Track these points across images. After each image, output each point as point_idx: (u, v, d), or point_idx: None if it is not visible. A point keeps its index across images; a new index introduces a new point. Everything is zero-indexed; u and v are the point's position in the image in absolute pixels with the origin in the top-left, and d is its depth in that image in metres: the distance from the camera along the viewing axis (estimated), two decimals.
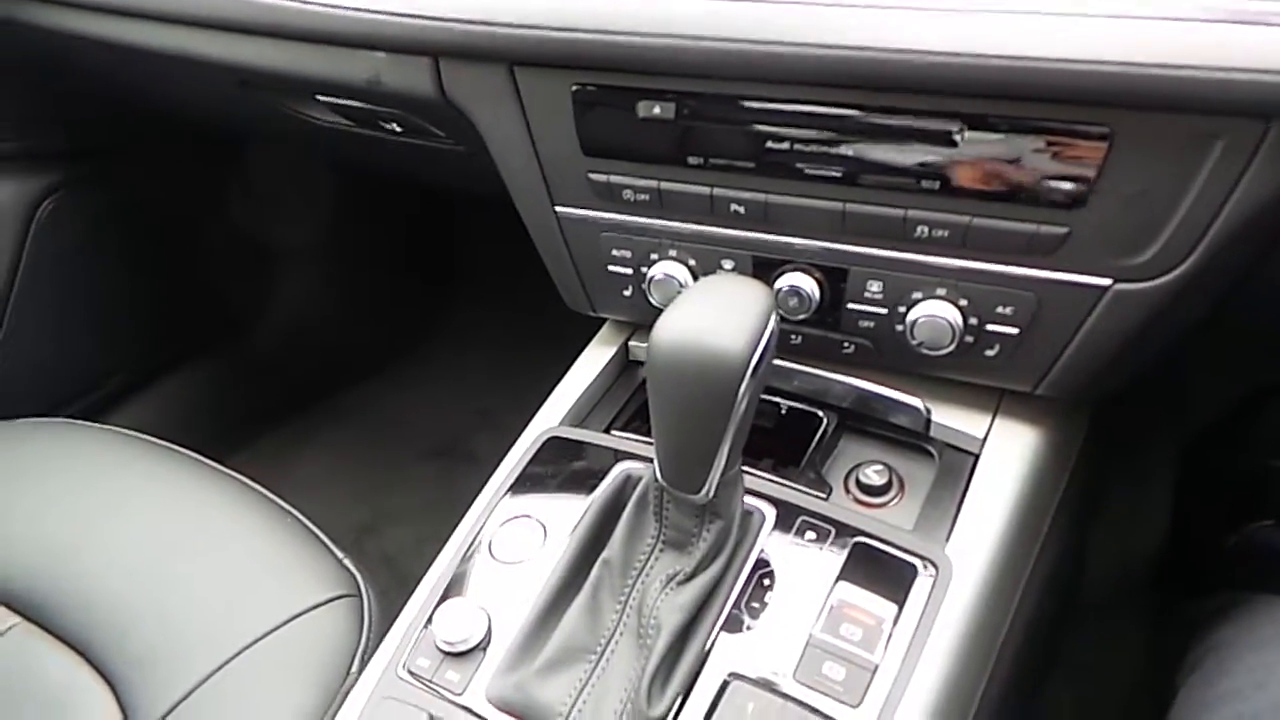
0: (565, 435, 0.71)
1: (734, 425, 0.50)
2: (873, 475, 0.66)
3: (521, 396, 0.82)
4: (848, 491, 0.68)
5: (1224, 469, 1.02)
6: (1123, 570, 1.02)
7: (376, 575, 0.80)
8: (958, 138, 0.55)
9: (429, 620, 0.59)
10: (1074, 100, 0.52)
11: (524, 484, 0.68)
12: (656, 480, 0.55)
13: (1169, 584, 0.96)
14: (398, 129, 0.85)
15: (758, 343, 0.49)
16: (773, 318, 0.51)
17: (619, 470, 0.64)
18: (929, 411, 0.67)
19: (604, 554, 0.58)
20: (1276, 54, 0.46)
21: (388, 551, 1.50)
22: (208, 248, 1.46)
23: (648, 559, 0.57)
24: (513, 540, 0.64)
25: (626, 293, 0.73)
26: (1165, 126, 0.51)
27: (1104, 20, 0.49)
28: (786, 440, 0.71)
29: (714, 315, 0.50)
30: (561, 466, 0.68)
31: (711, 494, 0.53)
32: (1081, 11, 0.49)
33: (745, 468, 0.65)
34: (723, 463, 0.52)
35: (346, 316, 1.69)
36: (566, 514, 0.64)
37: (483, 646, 0.57)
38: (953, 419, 0.67)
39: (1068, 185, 0.54)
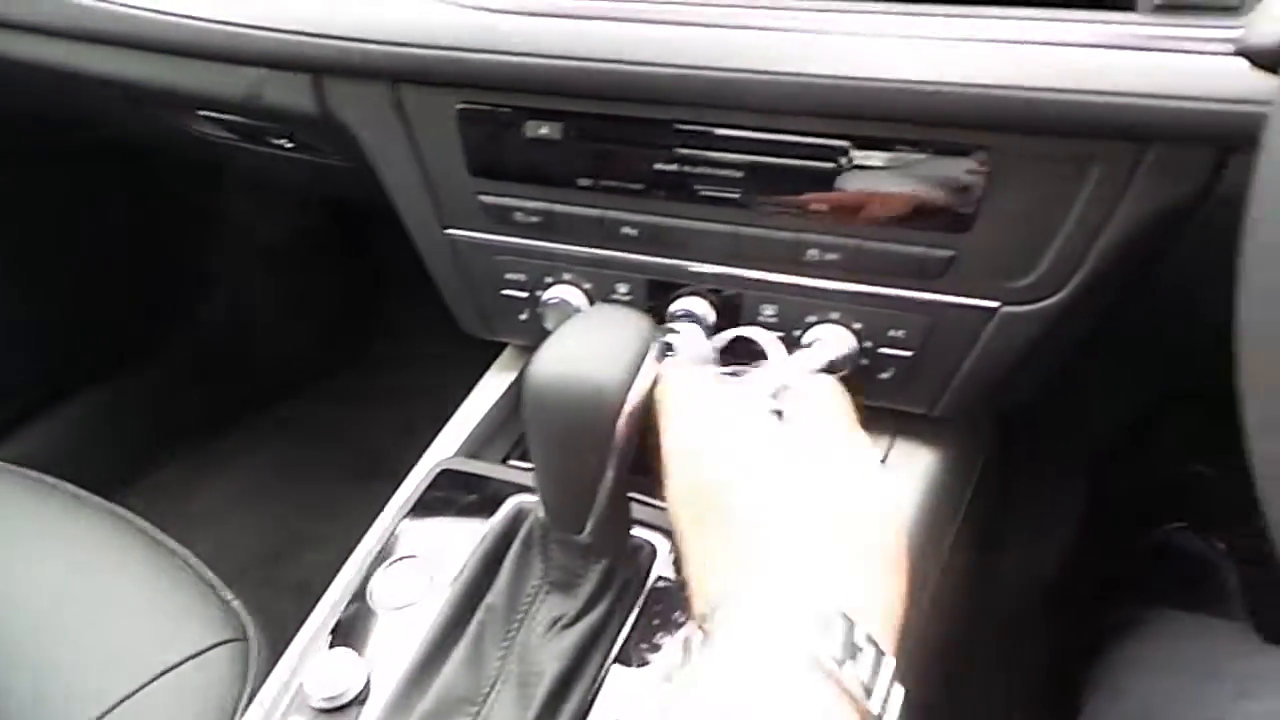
0: (458, 468, 0.68)
1: (615, 461, 0.48)
2: None
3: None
4: None
5: (1133, 477, 1.04)
6: (1031, 584, 1.03)
7: (287, 604, 0.76)
8: (844, 161, 0.55)
9: (304, 674, 0.56)
10: (955, 124, 0.51)
11: (412, 522, 0.65)
12: (540, 519, 0.53)
13: (1078, 596, 0.97)
14: (287, 144, 0.81)
15: (637, 373, 0.48)
16: (654, 348, 0.49)
17: (510, 506, 0.62)
18: None
19: (488, 598, 0.55)
20: (1148, 79, 0.46)
21: (304, 578, 1.45)
22: (109, 267, 1.39)
23: (533, 602, 0.55)
24: (398, 583, 0.61)
25: (522, 317, 0.71)
26: (1044, 150, 0.51)
27: (983, 45, 0.48)
28: None
29: (592, 348, 0.48)
30: (453, 501, 0.65)
31: (595, 533, 0.51)
32: (960, 37, 0.49)
33: (639, 496, 0.63)
34: (605, 500, 0.50)
35: (265, 335, 1.63)
36: (455, 554, 0.61)
37: (360, 700, 0.54)
38: None
39: (952, 209, 0.54)
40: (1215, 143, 0.46)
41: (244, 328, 1.58)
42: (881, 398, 0.63)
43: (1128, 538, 1.00)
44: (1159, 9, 0.46)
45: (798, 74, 0.51)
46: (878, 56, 0.50)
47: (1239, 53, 0.40)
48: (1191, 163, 0.48)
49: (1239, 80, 0.43)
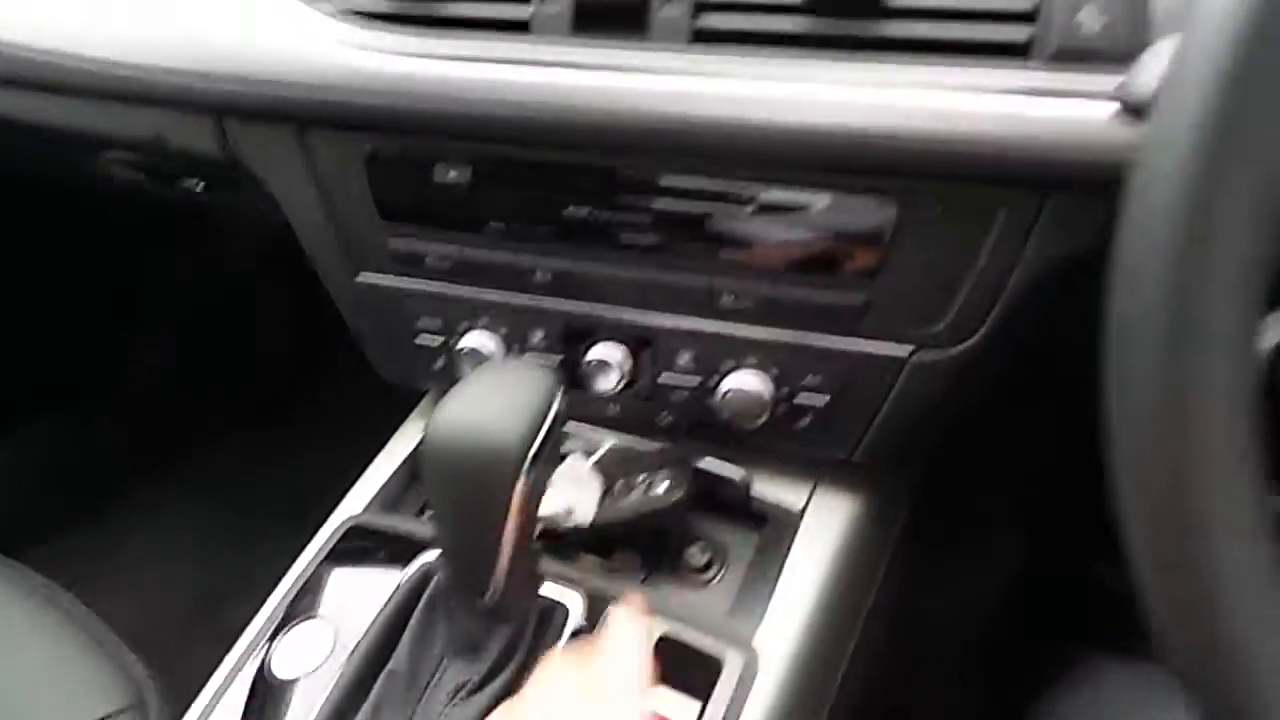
0: (369, 523, 0.65)
1: (515, 521, 0.47)
2: (694, 554, 0.63)
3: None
4: (672, 572, 0.64)
5: (1064, 517, 1.04)
6: (963, 629, 1.02)
7: (214, 658, 0.72)
8: (754, 207, 0.54)
9: None
10: (862, 170, 0.51)
11: (317, 582, 0.62)
12: (443, 580, 0.51)
13: (1010, 640, 0.96)
14: (199, 186, 0.79)
15: (536, 432, 0.46)
16: (555, 404, 0.48)
17: (419, 564, 0.59)
18: (748, 482, 0.64)
19: (390, 664, 0.53)
20: (1042, 129, 0.46)
21: (235, 624, 1.40)
22: (30, 309, 1.34)
23: (436, 669, 0.52)
24: (299, 648, 0.58)
25: (437, 364, 0.69)
26: (950, 197, 0.50)
27: (888, 92, 0.48)
28: None
29: (490, 406, 0.46)
30: (362, 559, 0.63)
31: (498, 595, 0.49)
32: (865, 84, 0.49)
33: (556, 554, 0.61)
34: (506, 562, 0.48)
35: (197, 375, 1.58)
36: (362, 615, 0.58)
37: None
38: (773, 489, 0.65)
39: (862, 255, 0.53)
40: (1108, 191, 0.46)
41: (168, 376, 1.53)
42: (802, 445, 0.62)
43: (1060, 579, 0.99)
44: (1053, 59, 0.46)
45: (706, 119, 0.51)
46: (786, 104, 0.49)
47: (1120, 104, 0.40)
48: (1091, 211, 0.48)
49: (1127, 131, 0.43)
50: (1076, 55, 0.45)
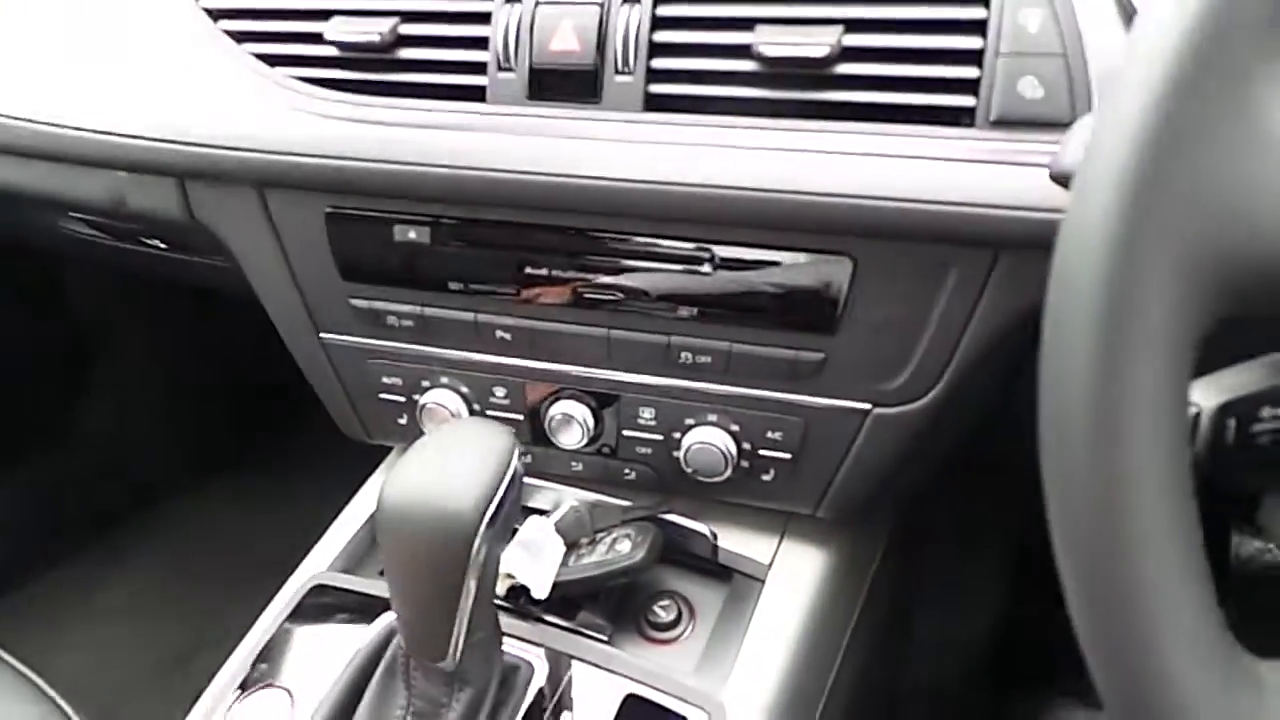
0: (332, 582, 0.64)
1: (472, 585, 0.46)
2: (660, 611, 0.63)
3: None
4: (638, 628, 0.64)
5: (1045, 564, 1.04)
6: (951, 669, 1.02)
7: (173, 712, 0.70)
8: (712, 265, 0.55)
9: None
10: (819, 230, 0.52)
11: (278, 642, 0.61)
12: (402, 646, 0.50)
13: (998, 683, 0.95)
14: (161, 245, 0.79)
15: (491, 497, 0.46)
16: (512, 466, 0.47)
17: (381, 625, 0.59)
18: (715, 536, 0.64)
19: None
20: (988, 191, 0.47)
21: (194, 684, 1.37)
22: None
23: None
24: (258, 714, 0.57)
25: (401, 421, 0.68)
26: (904, 255, 0.51)
27: (841, 157, 0.49)
28: None
29: (445, 469, 0.46)
30: (324, 619, 0.62)
31: (458, 659, 0.48)
32: (820, 149, 0.49)
33: (518, 614, 0.61)
34: (464, 626, 0.47)
35: (165, 425, 1.56)
36: (323, 678, 0.57)
37: None
38: (739, 543, 0.65)
39: (819, 311, 0.54)
40: (1047, 251, 0.47)
41: (126, 430, 1.51)
42: (766, 500, 0.62)
43: (1032, 630, 0.99)
44: (995, 125, 0.47)
45: (660, 184, 0.51)
46: (737, 169, 0.50)
47: (1051, 175, 0.41)
48: (1040, 268, 0.49)
49: (1062, 196, 0.43)
50: (1018, 122, 0.46)
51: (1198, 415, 0.36)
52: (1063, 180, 0.40)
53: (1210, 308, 0.29)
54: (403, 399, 0.67)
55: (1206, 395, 0.36)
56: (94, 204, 0.71)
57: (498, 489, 0.46)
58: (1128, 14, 0.45)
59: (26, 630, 0.95)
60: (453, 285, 0.61)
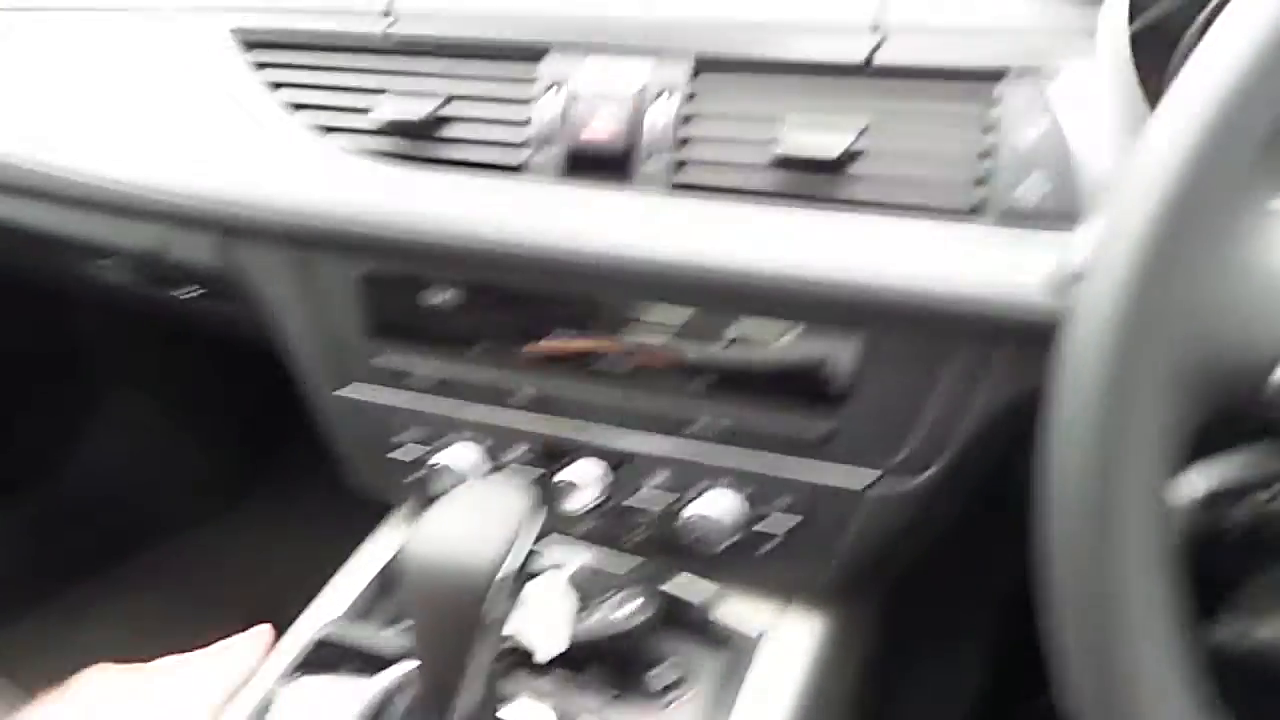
0: (336, 635, 0.65)
1: (483, 641, 0.48)
2: (659, 675, 0.64)
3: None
4: (637, 690, 0.64)
5: (1028, 639, 1.04)
6: None
7: None
8: (726, 339, 0.58)
9: None
10: (830, 310, 0.55)
11: (283, 695, 0.61)
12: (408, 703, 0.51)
13: None
14: (194, 291, 0.82)
15: (505, 555, 0.48)
16: (528, 527, 0.49)
17: (385, 681, 0.59)
18: (710, 605, 0.66)
19: None
20: (1000, 283, 0.50)
21: None
22: None
23: None
24: None
25: (411, 479, 0.70)
26: (910, 337, 0.54)
27: (856, 245, 0.52)
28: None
29: (464, 528, 0.48)
30: (328, 673, 0.62)
31: (465, 715, 0.49)
32: (827, 234, 0.53)
33: (526, 670, 0.62)
34: (470, 684, 0.48)
35: (149, 470, 1.56)
36: None
37: None
38: (740, 609, 0.66)
39: (828, 386, 0.57)
40: (1046, 341, 0.50)
41: (122, 472, 1.51)
42: (769, 569, 0.64)
43: (1032, 694, 0.99)
44: (1003, 219, 0.51)
45: (682, 263, 0.55)
46: (755, 252, 0.54)
47: (1053, 278, 0.44)
48: (1038, 355, 0.52)
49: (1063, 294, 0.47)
50: (1021, 218, 0.50)
51: (1187, 503, 0.39)
52: (1067, 284, 0.43)
53: (1200, 409, 0.32)
54: (415, 457, 0.69)
55: (1195, 484, 0.39)
56: (132, 251, 0.74)
57: (511, 549, 0.48)
58: (1126, 122, 0.49)
59: (19, 661, 0.94)
60: (475, 347, 0.63)
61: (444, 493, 0.66)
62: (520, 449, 0.66)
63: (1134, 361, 0.30)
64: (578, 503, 0.65)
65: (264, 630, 0.53)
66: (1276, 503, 0.39)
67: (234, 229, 0.66)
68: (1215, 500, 0.39)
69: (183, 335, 1.43)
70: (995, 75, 0.51)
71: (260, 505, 1.59)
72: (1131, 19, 0.49)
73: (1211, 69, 0.30)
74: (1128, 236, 0.31)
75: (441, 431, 0.67)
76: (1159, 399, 0.31)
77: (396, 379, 0.66)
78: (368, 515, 0.81)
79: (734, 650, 0.66)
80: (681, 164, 0.56)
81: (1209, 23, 0.53)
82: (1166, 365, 0.31)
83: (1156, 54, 0.54)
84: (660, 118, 0.56)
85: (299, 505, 1.53)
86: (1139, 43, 0.49)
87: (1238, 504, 0.39)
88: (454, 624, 0.47)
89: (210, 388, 1.58)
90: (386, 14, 0.63)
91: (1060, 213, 0.49)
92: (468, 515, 0.48)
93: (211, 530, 1.55)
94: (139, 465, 1.53)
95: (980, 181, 0.51)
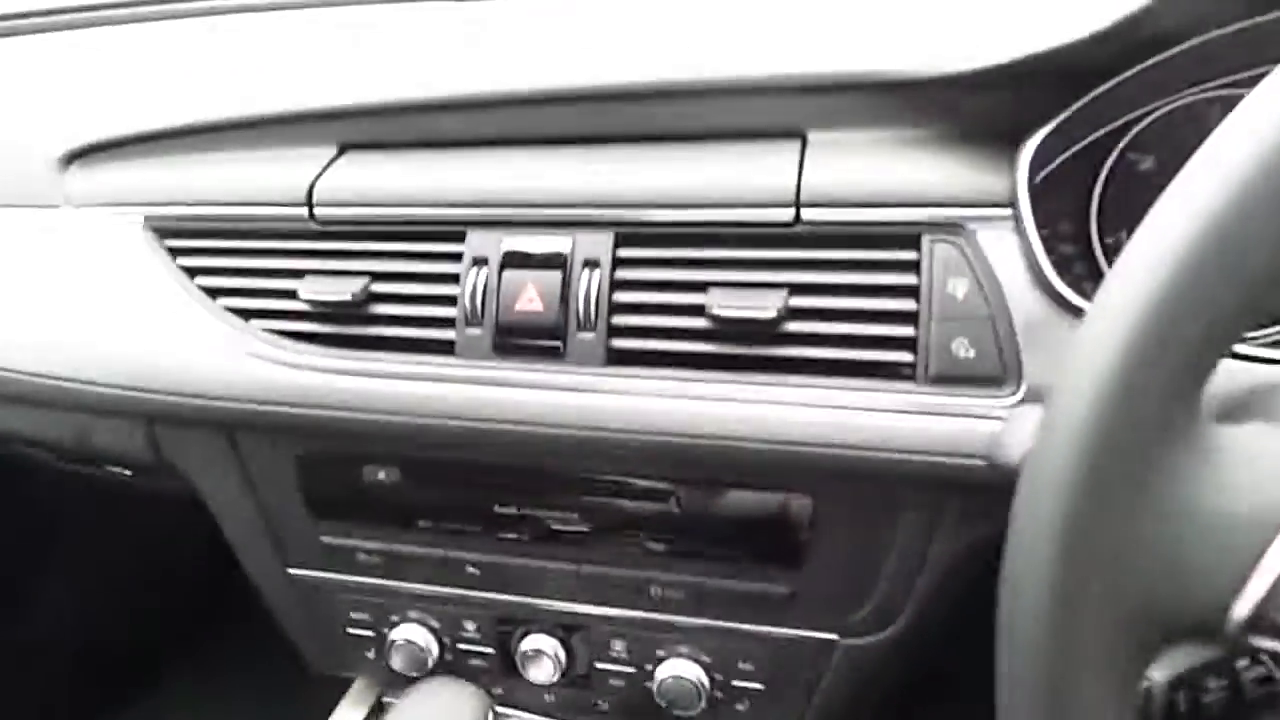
0: None
1: None
2: None
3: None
4: None
5: None
6: None
7: None
8: (675, 505, 0.56)
9: None
10: (779, 476, 0.54)
11: None
12: None
13: None
14: (126, 473, 0.78)
15: None
16: None
17: None
18: None
19: None
20: (939, 440, 0.49)
21: None
22: None
23: None
24: None
25: (370, 654, 0.67)
26: (859, 495, 0.53)
27: (797, 409, 0.51)
28: None
29: None
30: None
31: None
32: (764, 400, 0.52)
33: None
34: None
35: (106, 629, 1.48)
36: None
37: None
38: None
39: (783, 546, 0.56)
40: (992, 492, 0.49)
41: (76, 629, 1.43)
42: None
43: None
44: (933, 381, 0.50)
45: (620, 435, 0.53)
46: (693, 419, 0.52)
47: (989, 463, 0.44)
48: (989, 507, 0.51)
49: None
50: (953, 379, 0.50)
51: (1149, 690, 0.38)
52: (1003, 470, 0.42)
53: (1152, 648, 0.31)
54: (371, 633, 0.66)
55: (1157, 670, 0.38)
56: (55, 442, 0.71)
57: None
58: (1045, 282, 0.49)
59: None
60: (422, 523, 0.61)
61: (406, 669, 0.64)
62: (474, 623, 0.63)
63: (1076, 610, 0.29)
64: (539, 675, 0.63)
65: None
66: (1240, 688, 0.38)
67: (159, 417, 0.64)
68: (1179, 686, 0.38)
69: (137, 502, 1.37)
70: (914, 237, 0.51)
71: (218, 663, 1.50)
72: (1035, 173, 0.49)
73: (1123, 310, 0.29)
74: (1052, 485, 0.30)
75: (394, 608, 0.65)
76: (1106, 637, 0.30)
77: (345, 557, 0.64)
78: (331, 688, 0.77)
79: None
80: (614, 331, 0.55)
81: (1109, 181, 0.54)
82: (1110, 612, 0.30)
83: (1060, 203, 0.54)
84: (588, 288, 0.55)
85: (257, 676, 1.42)
86: (1041, 196, 0.49)
87: (1202, 688, 0.38)
88: None
89: (166, 547, 1.50)
90: (306, 199, 0.61)
91: (990, 372, 0.49)
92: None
93: (166, 693, 1.46)
94: (91, 622, 1.44)
95: (913, 340, 0.51)
